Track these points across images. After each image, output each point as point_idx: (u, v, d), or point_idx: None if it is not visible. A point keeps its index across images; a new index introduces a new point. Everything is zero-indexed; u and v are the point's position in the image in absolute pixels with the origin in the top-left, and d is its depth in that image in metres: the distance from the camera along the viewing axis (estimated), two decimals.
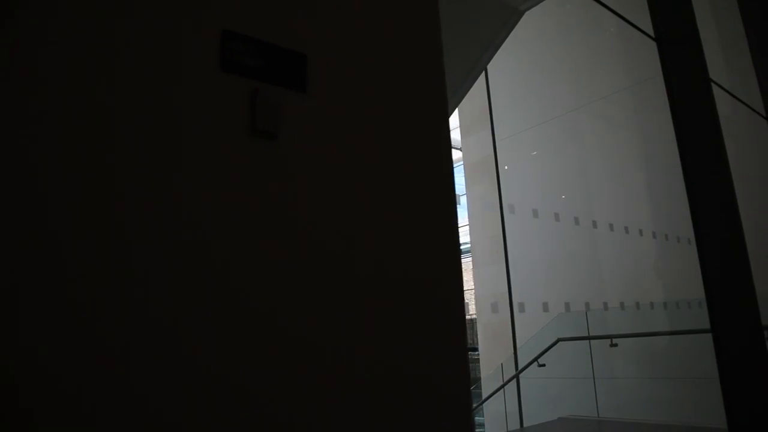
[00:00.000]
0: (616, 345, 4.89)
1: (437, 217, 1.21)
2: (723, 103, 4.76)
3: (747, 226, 5.36)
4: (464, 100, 8.57)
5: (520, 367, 5.59)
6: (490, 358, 7.23)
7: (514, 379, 5.68)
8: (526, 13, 5.46)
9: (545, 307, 6.20)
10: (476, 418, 7.44)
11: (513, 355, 6.08)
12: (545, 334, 5.43)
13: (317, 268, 0.98)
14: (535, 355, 5.19)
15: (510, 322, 6.71)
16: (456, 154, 12.79)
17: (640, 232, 5.92)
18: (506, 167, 7.77)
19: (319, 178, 1.03)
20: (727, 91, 4.61)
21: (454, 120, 9.49)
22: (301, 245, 0.97)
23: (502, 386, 5.61)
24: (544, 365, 5.09)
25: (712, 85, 4.32)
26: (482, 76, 7.81)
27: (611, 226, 6.10)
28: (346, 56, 1.15)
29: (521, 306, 6.59)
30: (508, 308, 6.83)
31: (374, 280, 1.07)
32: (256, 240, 0.92)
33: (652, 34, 3.16)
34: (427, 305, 1.15)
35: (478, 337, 8.30)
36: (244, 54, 0.97)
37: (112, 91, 0.83)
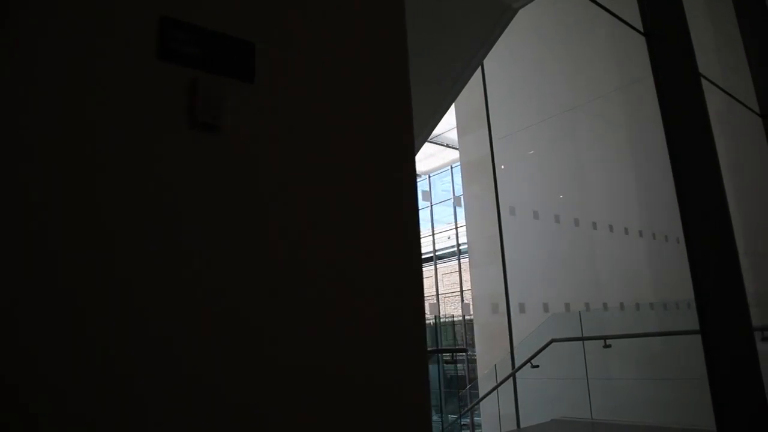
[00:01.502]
0: (609, 346, 4.83)
1: (397, 222, 1.16)
2: (718, 102, 4.71)
3: (745, 226, 5.31)
4: (461, 100, 8.57)
5: (515, 368, 5.54)
6: (488, 359, 7.18)
7: (510, 381, 5.63)
8: (523, 11, 5.43)
9: (543, 308, 6.15)
10: (476, 418, 7.41)
11: (507, 356, 6.04)
12: (539, 335, 5.38)
13: (259, 271, 0.94)
14: (530, 355, 5.14)
15: (507, 323, 6.67)
16: (453, 154, 12.75)
17: (634, 232, 5.87)
18: (503, 167, 7.72)
19: (266, 174, 0.98)
20: (723, 90, 4.55)
21: (451, 119, 9.44)
22: (241, 244, 0.92)
23: (495, 387, 5.56)
24: (537, 366, 5.04)
25: (708, 84, 4.27)
26: (479, 75, 7.77)
27: (607, 227, 6.05)
28: (301, 47, 1.10)
29: (518, 306, 6.55)
30: (505, 308, 6.79)
31: (325, 285, 1.02)
32: (191, 237, 0.87)
33: (641, 29, 3.11)
34: (386, 312, 1.10)
35: (476, 337, 8.27)
36: (185, 42, 0.92)
37: (36, 80, 0.78)
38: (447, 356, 6.35)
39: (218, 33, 0.97)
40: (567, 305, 5.51)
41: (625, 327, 5.21)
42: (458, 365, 14.27)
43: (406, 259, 1.15)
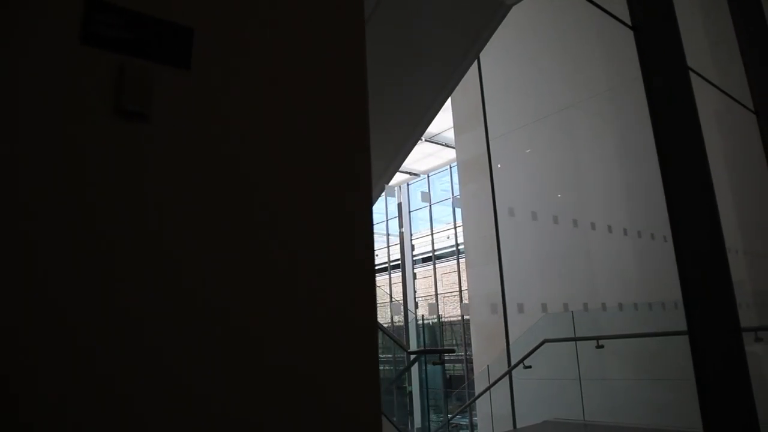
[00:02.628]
0: (602, 346, 4.78)
1: (348, 226, 1.11)
2: (714, 100, 4.65)
3: (743, 225, 5.25)
4: (458, 99, 8.50)
5: (510, 368, 5.48)
6: (484, 359, 7.14)
7: (503, 381, 5.58)
8: (521, 10, 5.38)
9: (539, 307, 6.09)
10: (475, 418, 7.38)
11: (500, 356, 5.99)
12: (532, 335, 5.32)
13: (177, 272, 0.89)
14: (522, 356, 5.09)
15: (503, 323, 6.62)
16: (452, 153, 12.69)
17: (632, 232, 5.81)
18: (499, 165, 7.66)
19: (200, 167, 0.93)
20: (717, 87, 4.49)
21: (447, 119, 9.40)
22: (161, 242, 0.87)
23: (488, 389, 5.51)
24: (530, 367, 4.99)
25: (703, 82, 4.21)
26: (476, 74, 7.71)
27: (601, 226, 5.99)
28: (246, 35, 1.05)
29: (514, 306, 6.49)
30: (502, 308, 6.74)
31: (260, 288, 0.97)
32: (113, 232, 0.83)
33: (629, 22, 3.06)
34: (336, 314, 1.05)
35: (472, 337, 8.23)
36: (113, 26, 0.87)
37: None
38: (437, 357, 6.29)
39: (151, 17, 0.92)
40: (565, 305, 5.46)
41: (617, 327, 5.16)
42: (456, 365, 14.24)
43: (357, 260, 1.10)
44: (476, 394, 6.39)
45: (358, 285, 1.08)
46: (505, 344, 6.28)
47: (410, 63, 5.15)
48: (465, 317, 14.14)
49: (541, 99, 7.23)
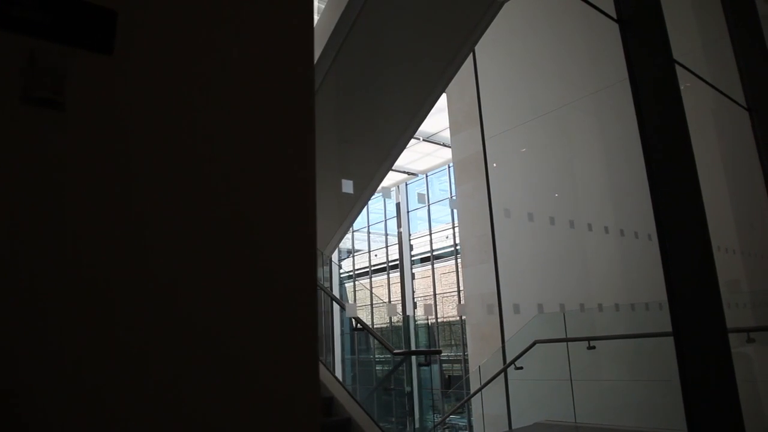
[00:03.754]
0: (593, 347, 4.71)
1: (291, 228, 1.06)
2: (706, 97, 4.60)
3: (738, 224, 5.18)
4: (454, 98, 8.43)
5: (501, 370, 5.42)
6: (479, 360, 7.08)
7: (495, 382, 5.52)
8: (519, 8, 5.30)
9: (536, 308, 6.04)
10: (472, 419, 7.32)
11: (493, 357, 5.93)
12: (523, 336, 5.27)
13: (94, 279, 0.84)
14: (514, 356, 5.03)
15: (499, 323, 6.56)
16: (449, 153, 12.65)
17: (625, 232, 5.75)
18: (494, 164, 7.61)
19: (120, 159, 0.88)
20: (710, 84, 4.44)
21: (443, 119, 9.35)
22: (78, 242, 0.82)
23: (479, 390, 5.46)
24: (521, 368, 4.93)
25: (696, 79, 4.16)
26: (472, 72, 7.66)
27: (598, 227, 5.93)
28: (180, 18, 1.00)
29: (511, 306, 6.44)
30: (497, 309, 6.69)
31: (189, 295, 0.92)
32: (20, 228, 0.77)
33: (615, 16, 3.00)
34: (275, 318, 1.00)
35: (468, 337, 8.18)
36: (23, 6, 0.82)
37: None
38: (425, 358, 6.23)
39: None
40: (561, 305, 5.40)
41: (609, 328, 5.10)
42: (455, 365, 14.20)
43: (302, 263, 1.05)
44: (470, 394, 6.35)
45: (300, 278, 1.03)
46: (499, 344, 6.22)
47: (401, 60, 5.11)
48: (462, 317, 14.09)
49: (538, 97, 7.18)
